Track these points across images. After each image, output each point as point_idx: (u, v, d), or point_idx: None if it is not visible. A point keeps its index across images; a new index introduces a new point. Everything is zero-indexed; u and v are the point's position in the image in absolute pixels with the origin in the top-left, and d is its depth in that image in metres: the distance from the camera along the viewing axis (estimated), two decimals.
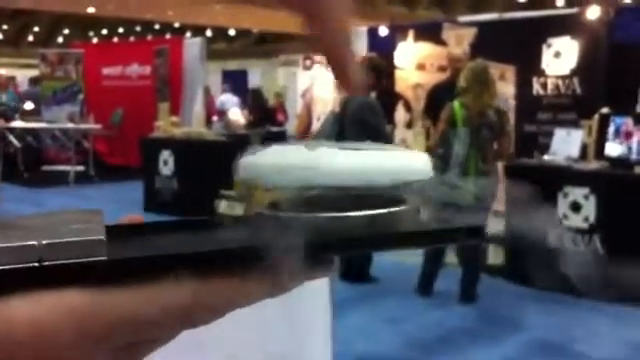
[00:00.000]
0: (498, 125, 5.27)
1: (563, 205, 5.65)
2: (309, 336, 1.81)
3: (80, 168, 12.19)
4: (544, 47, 7.10)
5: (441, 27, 8.13)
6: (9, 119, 12.95)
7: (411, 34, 8.39)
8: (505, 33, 7.32)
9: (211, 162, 8.62)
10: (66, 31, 29.78)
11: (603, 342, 4.66)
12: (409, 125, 8.28)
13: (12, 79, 15.85)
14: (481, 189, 0.44)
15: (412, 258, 5.74)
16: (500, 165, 5.70)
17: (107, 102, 13.11)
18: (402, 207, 0.40)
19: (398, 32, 8.60)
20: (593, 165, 5.82)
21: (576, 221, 5.59)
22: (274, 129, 13.13)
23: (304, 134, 9.19)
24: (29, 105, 13.93)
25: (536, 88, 7.17)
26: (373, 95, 5.92)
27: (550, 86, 7.08)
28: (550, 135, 6.40)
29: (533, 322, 5.06)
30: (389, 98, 8.05)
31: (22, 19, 27.86)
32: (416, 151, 0.43)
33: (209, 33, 26.07)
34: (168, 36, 23.83)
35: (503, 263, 6.07)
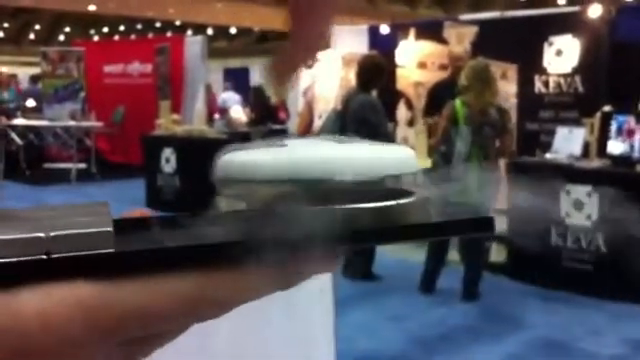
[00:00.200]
0: (500, 123, 5.27)
1: (565, 203, 5.64)
2: (312, 334, 1.81)
3: (82, 166, 12.20)
4: (546, 45, 7.10)
5: (442, 25, 8.14)
6: (11, 117, 12.96)
7: (412, 32, 8.39)
8: (506, 31, 7.32)
9: (213, 160, 8.61)
10: (67, 29, 29.81)
11: (605, 340, 4.67)
12: (410, 123, 8.28)
13: (14, 77, 15.87)
14: (483, 184, 0.43)
15: (415, 255, 5.74)
16: (502, 163, 5.70)
17: (108, 100, 13.11)
18: (409, 199, 0.40)
19: (399, 30, 8.60)
20: (595, 163, 5.82)
21: (578, 219, 5.59)
22: (276, 127, 13.12)
23: (305, 132, 9.19)
24: (31, 103, 13.93)
25: (538, 86, 7.17)
26: (374, 93, 5.92)
27: (552, 84, 7.08)
28: (552, 133, 6.40)
29: (535, 320, 5.06)
30: (390, 96, 8.05)
31: (23, 17, 27.88)
32: (401, 146, 0.42)
33: (210, 31, 26.07)
34: (169, 34, 23.82)
35: (506, 261, 6.07)
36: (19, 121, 12.92)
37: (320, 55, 9.82)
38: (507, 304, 5.45)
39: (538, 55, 7.12)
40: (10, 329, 0.31)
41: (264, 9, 19.74)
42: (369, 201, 0.38)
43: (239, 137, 10.19)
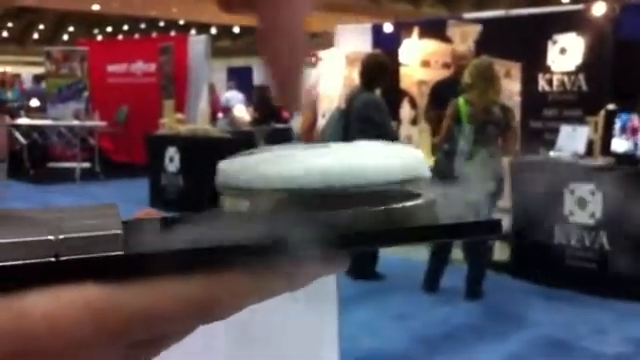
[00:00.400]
0: (503, 122, 5.27)
1: (569, 201, 5.64)
2: (316, 332, 1.81)
3: (86, 165, 12.21)
4: (549, 44, 7.09)
5: (446, 24, 8.13)
6: (15, 116, 12.99)
7: (416, 31, 8.38)
8: (510, 30, 7.31)
9: (217, 159, 8.57)
10: (71, 29, 29.85)
11: (609, 339, 4.66)
12: (414, 122, 8.28)
13: (17, 77, 15.90)
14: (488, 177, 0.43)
15: (418, 255, 5.74)
16: (506, 161, 5.70)
17: (112, 99, 13.12)
18: (417, 202, 0.40)
19: (403, 29, 8.59)
20: (599, 161, 5.81)
21: (582, 217, 5.59)
22: (279, 126, 13.13)
23: (309, 131, 9.19)
24: (34, 102, 13.96)
25: (542, 85, 7.16)
26: (378, 92, 5.92)
27: (556, 82, 7.07)
28: (556, 131, 6.39)
29: (539, 319, 5.05)
30: (394, 95, 8.05)
31: (27, 17, 27.92)
32: (412, 148, 0.42)
33: (214, 30, 26.09)
34: (173, 33, 23.84)
35: (509, 259, 6.06)
36: (23, 120, 12.95)
37: (323, 54, 9.83)
38: (511, 303, 5.45)
39: (542, 53, 7.11)
40: (18, 331, 0.31)
41: None
42: (376, 204, 0.38)
43: (242, 136, 10.20)
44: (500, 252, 6.20)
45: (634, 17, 6.77)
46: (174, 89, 12.27)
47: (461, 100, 5.29)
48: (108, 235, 0.34)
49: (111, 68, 13.67)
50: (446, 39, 7.99)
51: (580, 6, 7.14)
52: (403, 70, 8.42)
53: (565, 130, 6.25)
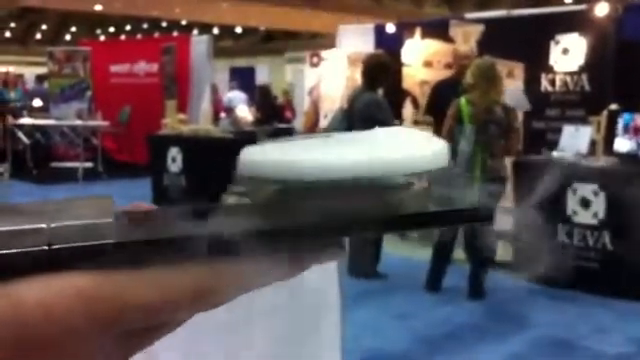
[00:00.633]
0: (505, 122, 5.26)
1: (572, 201, 5.64)
2: (318, 332, 1.81)
3: (88, 165, 12.22)
4: (552, 44, 7.08)
5: (448, 24, 8.12)
6: (17, 116, 13.00)
7: (418, 31, 8.38)
8: (513, 30, 7.30)
9: (219, 159, 8.62)
10: (74, 29, 29.85)
11: (611, 338, 4.66)
12: (417, 122, 8.27)
13: (20, 77, 15.92)
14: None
15: (420, 254, 5.74)
16: (508, 162, 5.69)
17: (115, 99, 13.13)
18: (410, 190, 0.40)
19: (405, 29, 8.59)
20: (602, 161, 5.81)
21: (585, 217, 5.58)
22: (282, 126, 13.13)
23: (311, 131, 9.19)
24: (37, 102, 13.97)
25: (544, 85, 7.15)
26: (381, 92, 5.92)
27: (558, 83, 7.06)
28: (559, 131, 6.39)
29: (541, 318, 5.05)
30: (396, 95, 8.04)
31: (30, 17, 27.93)
32: (432, 137, 0.42)
33: (216, 31, 26.08)
34: (175, 34, 23.85)
35: (511, 259, 6.06)
36: (26, 120, 12.96)
37: (325, 54, 9.83)
38: (513, 303, 5.45)
39: (544, 53, 7.10)
40: (12, 319, 0.31)
41: (270, 8, 19.74)
42: (372, 193, 0.38)
43: (245, 136, 10.19)
44: (502, 252, 6.19)
45: (637, 17, 6.76)
46: (176, 89, 12.27)
47: (463, 100, 5.29)
48: (100, 224, 0.34)
49: (114, 68, 13.69)
50: (448, 39, 7.98)
51: (583, 6, 7.13)
52: (405, 70, 8.42)
53: (568, 130, 6.24)
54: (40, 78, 15.02)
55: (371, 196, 0.38)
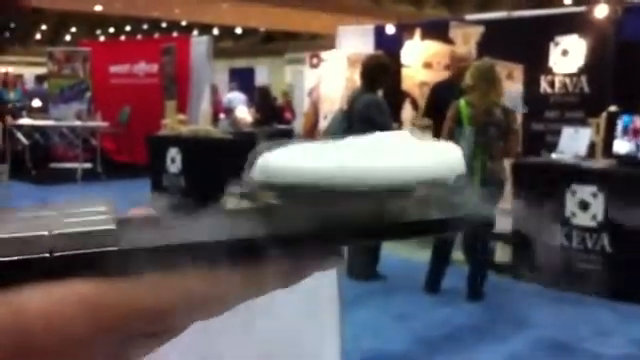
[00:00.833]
0: (505, 124, 5.26)
1: (571, 203, 5.64)
2: (318, 333, 1.81)
3: (88, 166, 12.22)
4: (552, 45, 7.09)
5: (448, 25, 8.13)
6: (17, 117, 13.00)
7: (418, 32, 8.38)
8: (512, 31, 7.30)
9: (218, 160, 8.63)
10: (73, 29, 29.85)
11: (611, 340, 4.66)
12: (415, 124, 8.27)
13: (20, 77, 15.92)
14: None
15: (419, 255, 5.74)
16: (507, 163, 5.69)
17: (114, 100, 13.13)
18: (411, 197, 0.40)
19: (405, 30, 8.59)
20: (601, 163, 5.81)
21: (584, 219, 5.58)
22: (281, 127, 13.13)
23: (311, 132, 9.20)
24: (37, 103, 13.97)
25: (544, 86, 7.15)
26: (380, 93, 5.92)
27: (558, 84, 7.06)
28: (558, 133, 6.39)
29: (540, 320, 5.05)
30: (396, 96, 8.05)
31: (30, 17, 27.92)
32: (450, 146, 0.42)
33: (216, 31, 26.09)
34: (175, 34, 23.84)
35: (510, 261, 6.06)
36: (25, 121, 12.96)
37: (325, 55, 9.83)
38: (512, 304, 5.45)
39: (544, 55, 7.10)
40: (13, 327, 0.31)
41: (270, 9, 19.74)
42: (372, 201, 0.38)
43: (244, 137, 10.20)
44: (501, 253, 6.19)
45: (636, 19, 6.76)
46: (176, 90, 12.27)
47: (462, 102, 5.29)
48: (102, 231, 0.34)
49: (113, 69, 13.68)
50: (448, 40, 7.98)
51: (582, 8, 7.13)
52: (405, 71, 8.42)
53: (567, 132, 6.24)
54: (40, 78, 15.02)
55: (373, 203, 0.38)
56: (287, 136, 12.47)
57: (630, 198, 5.45)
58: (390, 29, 8.90)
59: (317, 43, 22.46)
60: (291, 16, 20.99)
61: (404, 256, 6.09)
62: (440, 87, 6.69)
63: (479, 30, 7.71)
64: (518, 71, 7.25)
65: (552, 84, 7.10)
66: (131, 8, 22.01)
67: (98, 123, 12.66)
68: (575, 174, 5.71)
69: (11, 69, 19.38)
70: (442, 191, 0.41)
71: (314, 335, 1.81)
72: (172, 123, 10.01)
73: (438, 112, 5.84)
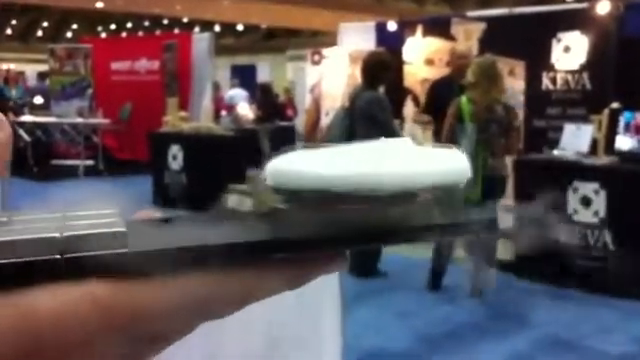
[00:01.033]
0: (506, 120, 5.25)
1: (573, 200, 5.63)
2: (320, 330, 1.81)
3: (89, 162, 12.23)
4: (554, 42, 7.08)
5: (450, 22, 8.12)
6: (18, 114, 13.01)
7: (420, 29, 8.38)
8: (514, 28, 7.30)
9: (220, 157, 8.64)
10: (75, 26, 29.88)
11: (614, 338, 4.66)
12: (416, 120, 8.27)
13: (21, 74, 15.92)
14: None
15: (421, 253, 5.74)
16: (509, 160, 5.69)
17: (116, 97, 13.13)
18: (415, 201, 0.40)
19: (407, 27, 8.59)
20: (603, 160, 5.80)
21: (586, 216, 5.58)
22: (283, 124, 13.13)
23: (312, 129, 9.20)
24: (38, 100, 13.98)
25: (545, 83, 7.15)
26: (382, 90, 5.91)
27: (560, 81, 7.06)
28: (560, 130, 6.38)
29: (543, 318, 5.05)
30: (398, 93, 8.04)
31: (31, 14, 27.94)
32: (453, 150, 0.43)
33: (217, 28, 26.09)
34: (176, 31, 23.85)
35: (512, 258, 6.06)
36: (27, 118, 12.97)
37: (326, 52, 9.83)
38: (514, 302, 5.45)
39: (546, 52, 7.10)
40: (26, 329, 0.32)
41: (271, 6, 19.74)
42: (376, 205, 0.38)
43: (246, 134, 10.20)
44: (503, 251, 6.19)
45: (638, 15, 6.76)
46: (178, 87, 12.27)
47: (464, 99, 5.28)
48: (113, 233, 0.34)
49: (115, 66, 13.67)
50: (450, 37, 7.98)
51: (584, 4, 7.12)
52: (407, 68, 8.42)
53: (569, 129, 6.24)
54: (42, 75, 15.03)
55: (376, 208, 0.38)
56: (289, 133, 12.47)
57: (632, 194, 5.45)
58: (392, 26, 8.89)
59: (319, 40, 22.47)
60: (293, 13, 20.99)
61: (406, 254, 6.09)
62: (440, 84, 6.68)
63: (481, 27, 7.70)
64: (520, 68, 7.25)
65: (554, 81, 7.09)
66: (132, 5, 22.02)
67: (99, 120, 12.66)
68: (577, 171, 5.70)
69: (12, 66, 19.39)
70: (447, 196, 0.41)
71: (316, 332, 1.81)
72: (174, 120, 10.02)
73: (438, 109, 5.84)
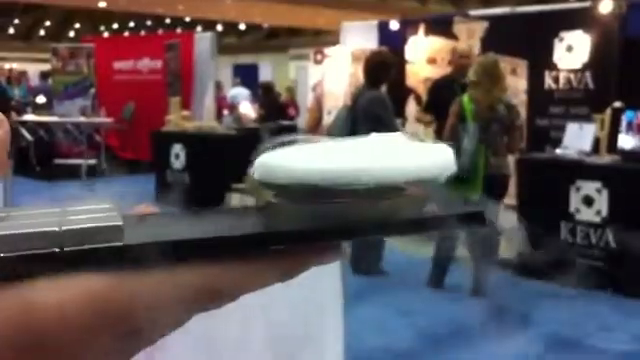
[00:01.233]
0: (508, 119, 5.25)
1: (575, 199, 5.63)
2: (321, 329, 1.82)
3: (92, 162, 12.23)
4: (556, 41, 7.08)
5: (452, 21, 8.12)
6: (21, 113, 13.02)
7: (422, 28, 8.38)
8: (517, 27, 7.30)
9: (222, 156, 8.63)
10: (77, 25, 29.89)
11: (616, 336, 4.66)
12: (419, 120, 8.27)
13: (24, 73, 15.93)
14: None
15: (423, 251, 5.74)
16: (511, 159, 5.69)
17: (118, 96, 13.13)
18: (406, 195, 0.41)
19: (409, 26, 8.59)
20: (605, 159, 5.80)
21: (588, 215, 5.58)
22: (285, 123, 13.12)
23: (315, 128, 9.20)
24: (41, 99, 13.98)
25: (548, 82, 7.15)
26: (384, 89, 5.92)
27: (562, 80, 7.06)
28: (562, 129, 6.38)
29: (545, 316, 5.05)
30: (400, 92, 8.05)
31: (33, 14, 27.96)
32: (436, 145, 0.44)
33: (220, 27, 26.09)
34: (179, 30, 23.84)
35: (514, 257, 6.06)
36: (29, 117, 12.97)
37: (329, 51, 9.83)
38: (516, 300, 5.45)
39: (548, 51, 7.10)
40: (28, 320, 0.32)
41: (273, 5, 19.73)
42: (368, 199, 0.39)
43: (248, 133, 10.20)
44: (506, 249, 6.19)
45: None
46: (180, 86, 12.27)
47: (466, 98, 5.28)
48: (110, 227, 0.35)
49: (117, 65, 13.68)
50: (452, 36, 7.98)
51: (587, 3, 7.12)
52: (409, 67, 8.42)
53: (571, 128, 6.23)
54: (44, 75, 15.04)
55: (367, 201, 0.39)
56: (291, 132, 12.45)
57: (634, 193, 5.45)
58: (394, 25, 8.89)
59: (321, 39, 22.48)
60: (295, 12, 20.98)
61: (408, 252, 6.10)
62: (441, 83, 6.68)
63: (483, 26, 7.70)
64: (522, 67, 7.24)
65: (556, 80, 7.09)
66: (135, 4, 22.03)
67: (102, 119, 12.67)
68: (579, 170, 5.70)
69: (15, 65, 19.41)
70: (433, 189, 0.42)
71: (318, 331, 1.81)
72: (176, 119, 10.02)
73: (439, 108, 5.85)
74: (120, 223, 0.35)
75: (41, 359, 0.33)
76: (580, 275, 5.54)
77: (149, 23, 29.15)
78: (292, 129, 13.00)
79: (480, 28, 7.72)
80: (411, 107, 8.44)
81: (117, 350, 0.36)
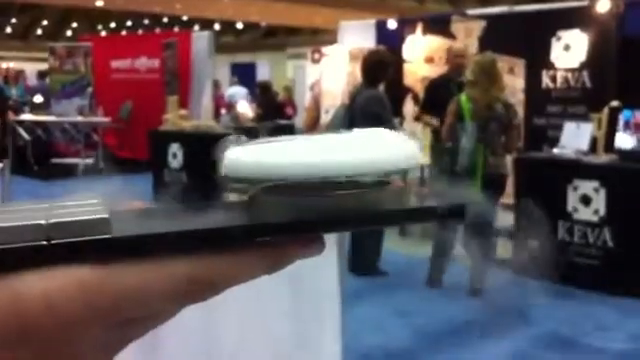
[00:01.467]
0: (506, 119, 5.25)
1: (573, 198, 5.63)
2: (319, 328, 1.82)
3: (89, 161, 12.23)
4: (554, 40, 7.08)
5: (450, 20, 8.12)
6: (19, 112, 13.00)
7: (420, 27, 8.38)
8: (514, 26, 7.30)
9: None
10: (75, 24, 29.86)
11: (613, 335, 4.66)
12: (418, 118, 8.28)
13: (21, 73, 15.91)
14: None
15: (421, 251, 5.75)
16: (509, 158, 5.69)
17: (116, 95, 13.12)
18: (388, 187, 0.42)
19: (407, 25, 8.59)
20: (603, 158, 5.80)
21: (586, 214, 5.58)
22: (282, 122, 13.13)
23: (312, 127, 9.20)
24: (38, 98, 13.97)
25: (545, 81, 7.15)
26: (381, 88, 5.92)
27: (559, 79, 7.06)
28: (559, 128, 6.39)
29: (542, 315, 5.05)
30: (398, 91, 8.05)
31: (31, 13, 27.93)
32: (407, 138, 0.44)
33: (217, 26, 26.08)
34: (176, 29, 23.84)
35: (512, 256, 6.06)
36: (27, 116, 12.96)
37: (326, 50, 9.83)
38: (513, 299, 5.45)
39: (546, 50, 7.10)
40: (16, 311, 0.33)
41: (271, 4, 19.73)
42: (351, 189, 0.41)
43: (246, 132, 10.20)
44: (503, 249, 6.20)
45: (638, 14, 6.76)
46: (178, 85, 12.26)
47: (463, 97, 5.28)
48: (97, 219, 0.36)
49: (115, 64, 13.67)
50: (450, 35, 7.98)
51: (584, 2, 7.12)
52: (407, 66, 8.42)
53: (569, 127, 6.24)
54: (42, 74, 15.02)
55: (348, 194, 0.40)
56: (288, 131, 12.47)
57: (632, 192, 5.45)
58: (392, 24, 8.89)
59: (319, 38, 22.47)
60: (293, 11, 20.97)
61: (405, 251, 6.10)
62: (437, 82, 6.68)
63: (481, 25, 7.71)
64: (520, 66, 7.25)
65: (554, 79, 7.09)
66: (132, 3, 22.01)
67: (100, 118, 12.66)
68: (577, 169, 5.70)
69: (12, 64, 19.38)
70: (405, 181, 0.43)
71: (316, 330, 1.81)
72: (174, 118, 10.01)
73: (435, 108, 5.85)
74: (106, 216, 0.36)
75: (29, 349, 0.33)
76: (577, 274, 5.55)
77: (146, 22, 29.12)
78: (290, 128, 13.01)
79: (478, 27, 7.72)
80: (409, 106, 8.44)
81: (108, 341, 0.37)
